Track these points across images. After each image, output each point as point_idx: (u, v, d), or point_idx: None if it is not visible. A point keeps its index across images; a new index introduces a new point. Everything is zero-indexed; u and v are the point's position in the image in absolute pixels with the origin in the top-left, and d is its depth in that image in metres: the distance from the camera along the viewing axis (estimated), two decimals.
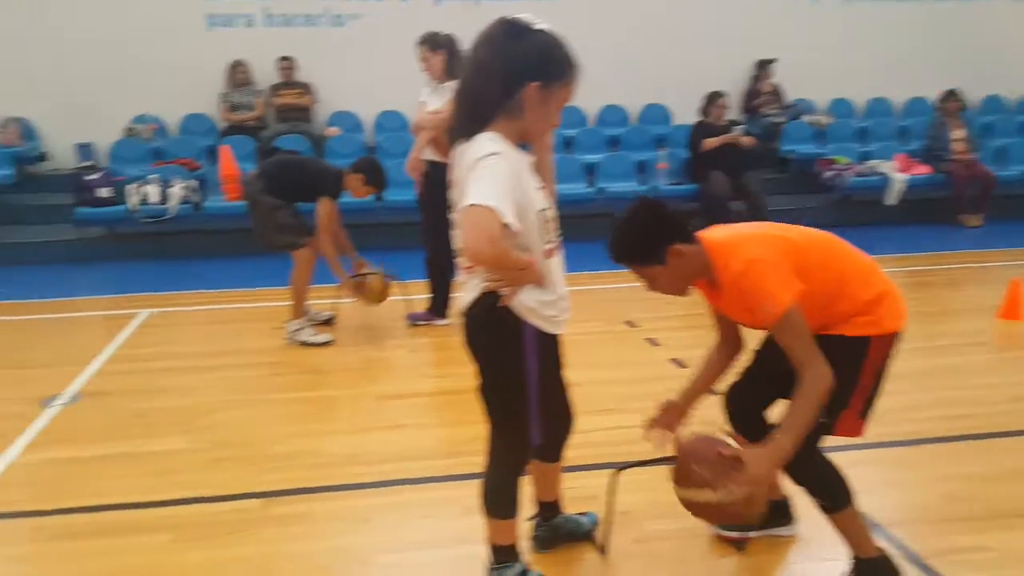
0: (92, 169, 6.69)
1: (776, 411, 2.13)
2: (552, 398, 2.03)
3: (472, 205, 1.61)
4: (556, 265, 1.92)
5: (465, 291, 1.96)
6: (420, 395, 3.89)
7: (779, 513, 2.44)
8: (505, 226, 1.63)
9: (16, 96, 7.59)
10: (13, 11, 7.46)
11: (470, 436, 3.27)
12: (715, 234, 2.04)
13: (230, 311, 5.34)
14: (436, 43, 4.39)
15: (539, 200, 1.86)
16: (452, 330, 4.77)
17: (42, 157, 7.72)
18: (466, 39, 4.43)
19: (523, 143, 1.86)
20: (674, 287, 2.06)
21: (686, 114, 8.14)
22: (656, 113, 8.74)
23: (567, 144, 8.15)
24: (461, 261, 1.91)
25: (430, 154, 4.48)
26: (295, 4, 7.95)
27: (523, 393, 1.91)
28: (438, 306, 4.86)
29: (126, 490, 2.94)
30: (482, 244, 1.61)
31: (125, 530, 2.68)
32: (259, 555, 2.53)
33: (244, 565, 2.47)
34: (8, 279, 6.27)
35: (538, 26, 1.73)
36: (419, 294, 4.97)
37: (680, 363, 4.07)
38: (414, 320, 4.90)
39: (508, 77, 1.71)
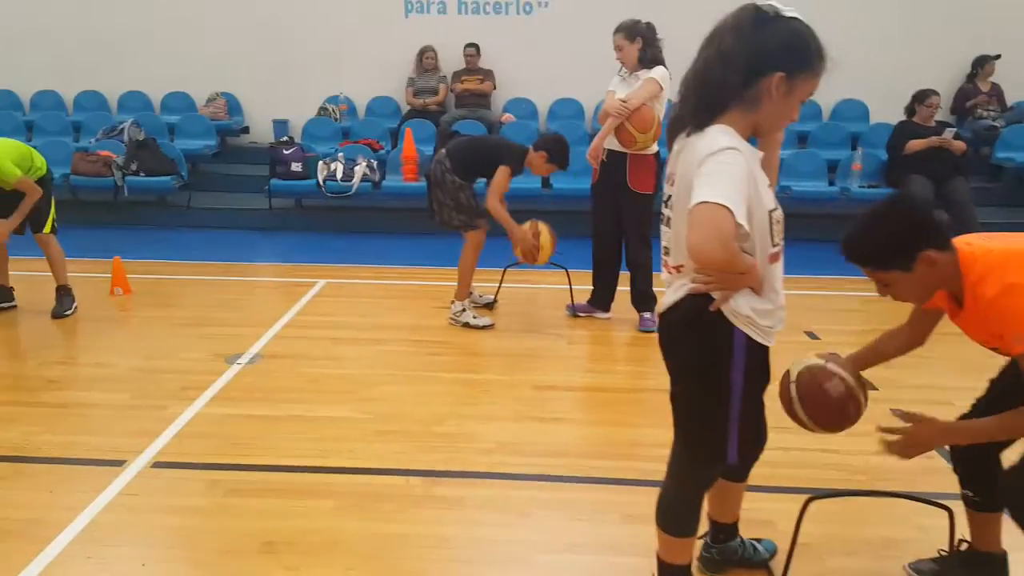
0: (288, 144, 7.15)
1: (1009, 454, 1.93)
2: (752, 414, 1.85)
3: (705, 203, 1.50)
4: (778, 271, 1.75)
5: (668, 291, 1.83)
6: (578, 389, 3.80)
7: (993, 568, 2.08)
8: (737, 227, 1.52)
9: (224, 73, 8.30)
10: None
11: (630, 439, 3.21)
12: (972, 244, 1.73)
13: (399, 287, 5.48)
14: (633, 32, 4.20)
15: (769, 200, 1.70)
16: (613, 324, 4.66)
17: (244, 130, 8.38)
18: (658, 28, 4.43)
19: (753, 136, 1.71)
20: (914, 295, 1.83)
21: (887, 112, 7.38)
22: (851, 109, 7.99)
23: None
24: (670, 259, 1.79)
25: (611, 143, 4.33)
26: None
27: (725, 407, 1.77)
28: (601, 298, 4.72)
29: (296, 452, 3.05)
30: (714, 245, 1.50)
31: (292, 492, 2.76)
32: (416, 535, 2.50)
33: (400, 542, 2.46)
34: (207, 241, 6.86)
35: (788, 13, 1.60)
36: (581, 284, 4.82)
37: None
38: (575, 311, 4.79)
39: (752, 65, 1.59)
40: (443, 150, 4.54)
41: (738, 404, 1.77)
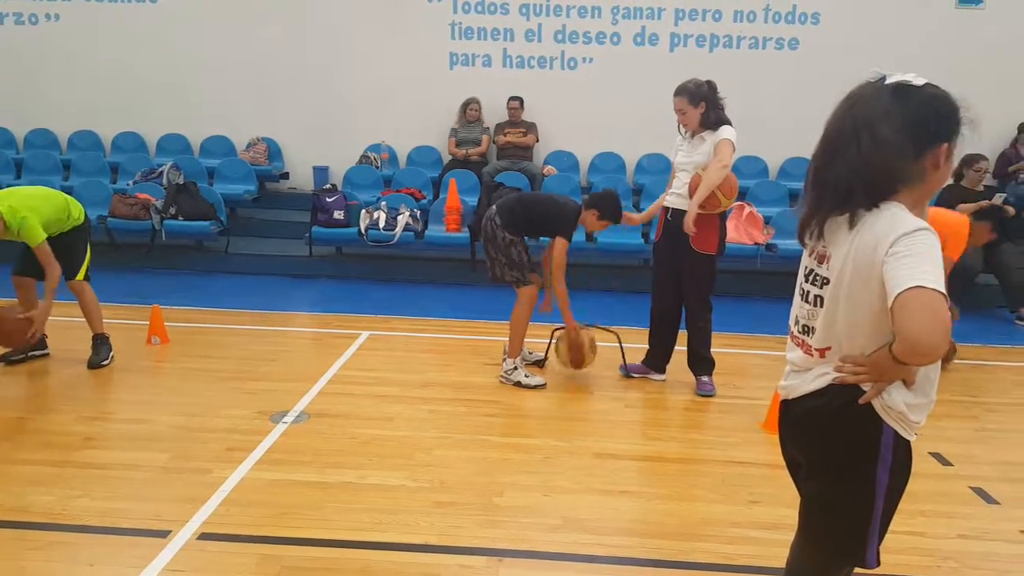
0: (331, 191, 7.07)
1: None
2: (892, 514, 1.67)
3: (922, 288, 1.38)
4: (937, 362, 1.55)
5: (804, 376, 1.68)
6: (641, 458, 3.58)
7: None
8: None
9: (266, 118, 8.32)
10: (270, 43, 8.19)
11: (702, 516, 3.02)
12: None
13: (444, 341, 5.29)
14: (697, 95, 4.07)
15: None
16: (668, 387, 4.47)
17: (284, 176, 8.34)
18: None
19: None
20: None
21: None
22: None
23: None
24: (814, 341, 1.64)
25: (676, 202, 4.19)
26: (532, 47, 8.08)
27: (868, 507, 1.61)
28: (657, 359, 4.53)
29: (351, 524, 2.85)
30: (939, 336, 1.37)
31: (350, 571, 2.54)
32: None
33: None
34: (245, 288, 6.73)
35: (917, 82, 1.52)
36: (630, 343, 4.62)
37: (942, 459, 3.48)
38: (628, 372, 4.58)
39: (917, 148, 1.50)
40: (493, 207, 4.43)
41: (881, 504, 1.62)
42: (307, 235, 7.02)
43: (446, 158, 8.06)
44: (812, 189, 1.61)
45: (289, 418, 3.82)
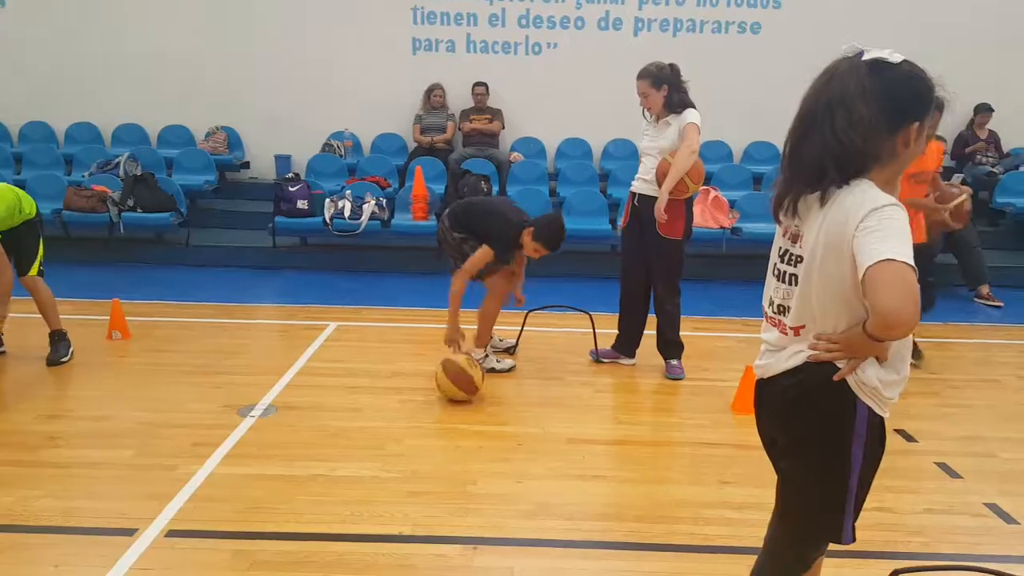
0: (294, 180, 6.95)
1: None
2: (866, 490, 1.70)
3: (892, 260, 1.39)
4: (908, 338, 1.58)
5: (779, 354, 1.69)
6: (613, 442, 3.60)
7: None
8: None
9: (224, 107, 8.14)
10: (227, 31, 7.99)
11: (674, 498, 3.05)
12: None
13: (413, 331, 5.25)
14: (659, 78, 4.07)
15: None
16: (638, 371, 4.50)
17: (245, 165, 8.18)
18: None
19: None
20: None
21: None
22: None
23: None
24: (788, 320, 1.65)
25: (643, 187, 4.20)
26: (496, 32, 8.01)
27: (843, 484, 1.63)
28: (627, 344, 4.56)
29: (324, 518, 2.81)
30: (911, 307, 1.39)
31: (324, 565, 2.52)
32: None
33: None
34: (207, 281, 6.59)
35: (894, 58, 1.51)
36: (602, 329, 4.63)
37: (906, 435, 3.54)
38: (598, 356, 4.60)
39: (891, 126, 1.51)
40: (446, 209, 4.44)
41: (856, 481, 1.64)
42: (270, 226, 6.90)
43: (411, 146, 7.97)
44: (788, 166, 1.61)
45: (256, 411, 3.75)
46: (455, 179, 6.90)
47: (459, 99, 7.92)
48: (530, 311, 4.70)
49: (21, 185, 5.54)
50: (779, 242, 1.69)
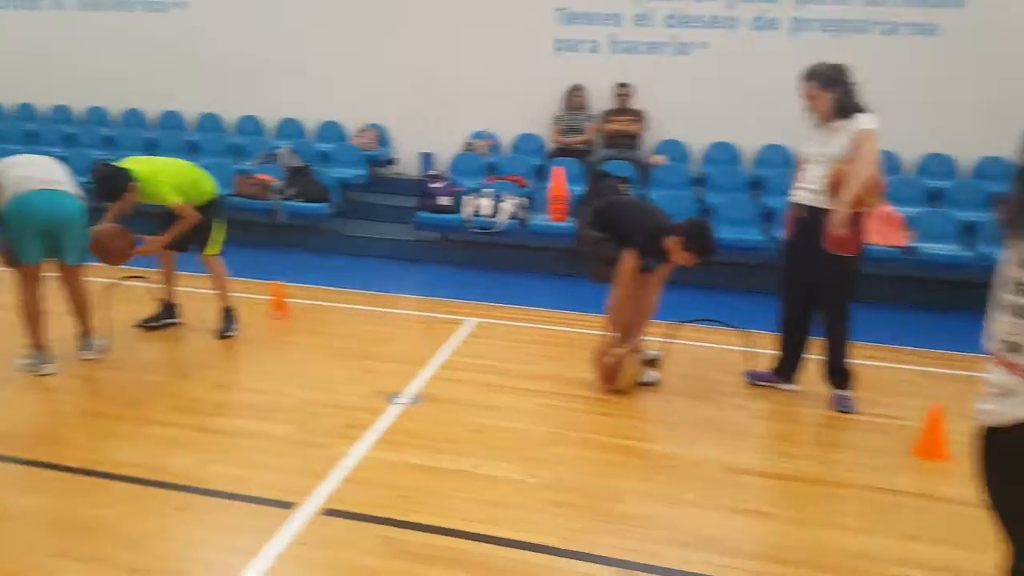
0: (437, 178, 7.15)
1: None
2: None
3: None
4: None
5: (1014, 402, 1.48)
6: (775, 476, 3.29)
7: None
8: None
9: (375, 105, 8.47)
10: (382, 33, 8.33)
11: (852, 549, 2.77)
12: None
13: (551, 333, 5.24)
14: (829, 79, 3.78)
15: None
16: (799, 399, 4.13)
17: (391, 162, 8.51)
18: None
19: None
20: None
21: None
22: (992, 167, 7.11)
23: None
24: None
25: (810, 198, 3.90)
26: (643, 32, 7.88)
27: None
28: (786, 368, 4.21)
29: (466, 514, 2.85)
30: None
31: (468, 564, 2.55)
32: None
33: None
34: (356, 269, 6.92)
35: None
36: (759, 348, 4.41)
37: None
38: (754, 379, 4.31)
39: None
40: (588, 205, 4.37)
41: None
42: (414, 220, 7.13)
43: (550, 146, 8.00)
44: None
45: (403, 399, 3.88)
46: (594, 181, 6.84)
47: (600, 100, 7.84)
48: (678, 323, 4.55)
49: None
50: (1013, 272, 1.47)
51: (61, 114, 9.24)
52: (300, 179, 7.32)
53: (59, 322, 4.18)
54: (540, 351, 4.84)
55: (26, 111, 9.31)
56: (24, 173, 3.77)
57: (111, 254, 4.24)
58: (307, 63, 8.53)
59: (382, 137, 8.49)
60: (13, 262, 3.82)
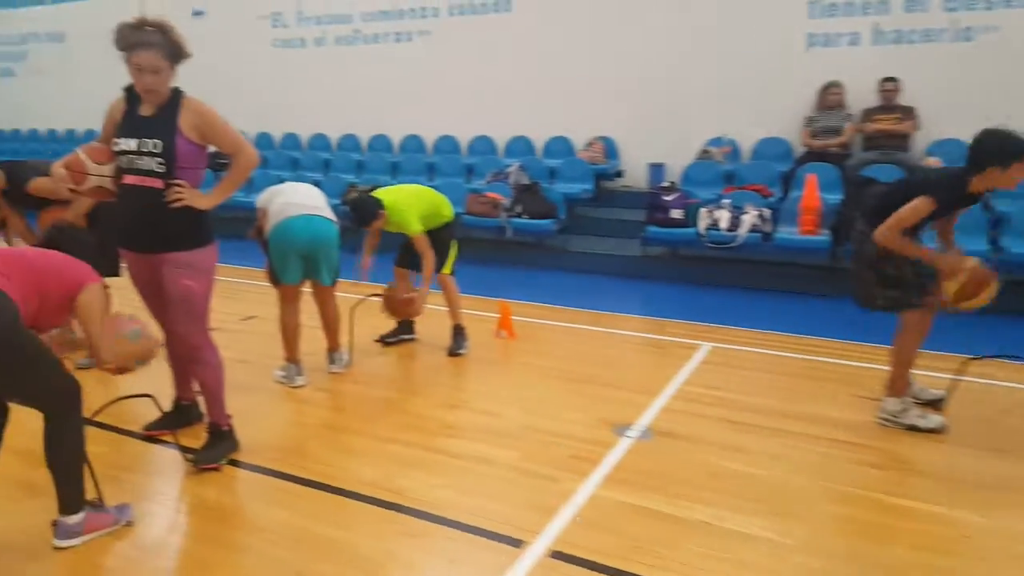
0: (669, 189, 6.77)
1: None
2: None
3: None
4: None
5: None
6: None
7: None
8: None
9: (602, 117, 8.29)
10: (609, 42, 8.11)
11: None
12: None
13: (802, 362, 4.63)
14: None
15: None
16: None
17: (619, 174, 8.26)
18: None
19: None
20: None
21: None
22: None
23: None
24: None
25: None
26: (914, 18, 6.87)
27: None
28: None
29: (710, 575, 2.45)
30: None
31: None
32: None
33: None
34: (581, 286, 6.75)
35: None
36: None
37: None
38: None
39: None
40: (858, 211, 3.64)
41: None
42: (641, 235, 6.80)
43: (798, 150, 7.23)
44: None
45: (633, 433, 3.57)
46: (855, 188, 6.00)
47: (859, 97, 6.94)
48: (970, 358, 3.75)
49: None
50: None
51: (319, 141, 10.25)
52: (527, 196, 7.35)
53: (311, 335, 4.47)
54: (789, 383, 4.27)
55: (290, 140, 10.47)
56: (287, 200, 4.06)
57: (400, 312, 4.70)
58: (538, 79, 8.59)
59: (609, 149, 8.29)
60: (275, 281, 4.15)
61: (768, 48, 7.40)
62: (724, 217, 6.24)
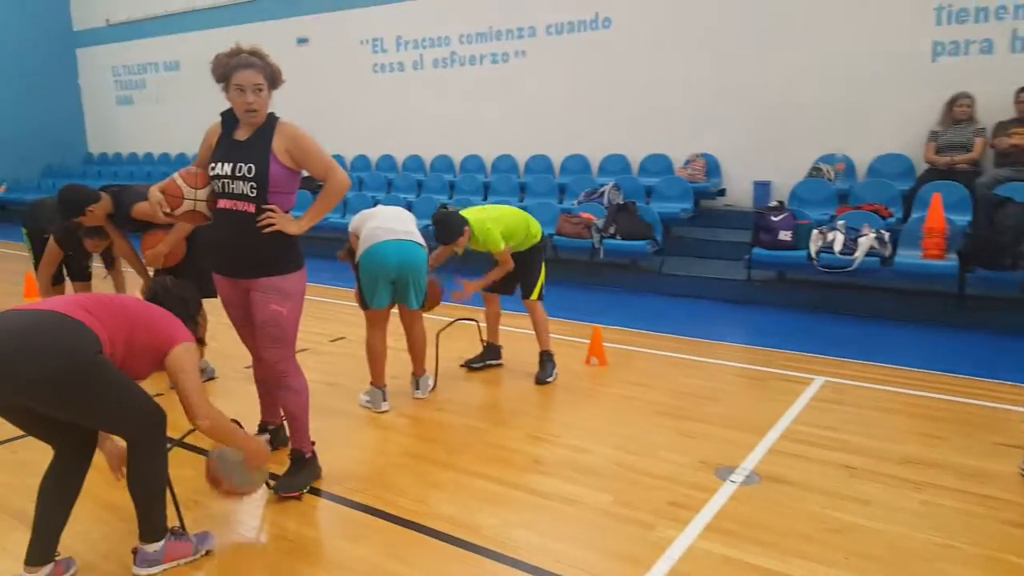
0: (778, 209, 6.34)
1: None
2: None
3: None
4: None
5: None
6: None
7: None
8: None
9: (705, 133, 7.93)
10: (715, 58, 7.76)
11: None
12: None
13: (930, 402, 4.16)
14: None
15: None
16: None
17: (721, 193, 7.87)
18: None
19: None
20: None
21: None
22: None
23: None
24: None
25: None
26: None
27: None
28: None
29: None
30: None
31: None
32: None
33: None
34: (678, 311, 6.41)
35: None
36: None
37: None
38: None
39: None
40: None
41: None
42: (746, 257, 6.40)
43: (919, 168, 6.65)
44: None
45: (737, 477, 3.26)
46: (987, 208, 5.42)
47: (990, 110, 6.31)
48: None
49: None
50: None
51: (413, 162, 10.36)
52: (622, 216, 7.08)
53: (396, 358, 4.38)
54: (915, 426, 3.82)
55: (385, 162, 10.63)
56: (377, 224, 4.01)
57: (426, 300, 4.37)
58: (633, 96, 8.35)
59: (711, 166, 7.91)
60: (364, 305, 4.09)
61: (888, 58, 6.85)
62: (838, 239, 5.76)
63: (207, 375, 4.61)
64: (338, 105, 10.79)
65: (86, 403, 2.28)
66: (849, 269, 5.70)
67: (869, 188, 6.60)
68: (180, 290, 2.79)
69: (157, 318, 2.56)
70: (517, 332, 5.25)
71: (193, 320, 2.78)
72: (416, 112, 10.23)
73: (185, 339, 2.58)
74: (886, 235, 5.71)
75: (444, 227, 4.32)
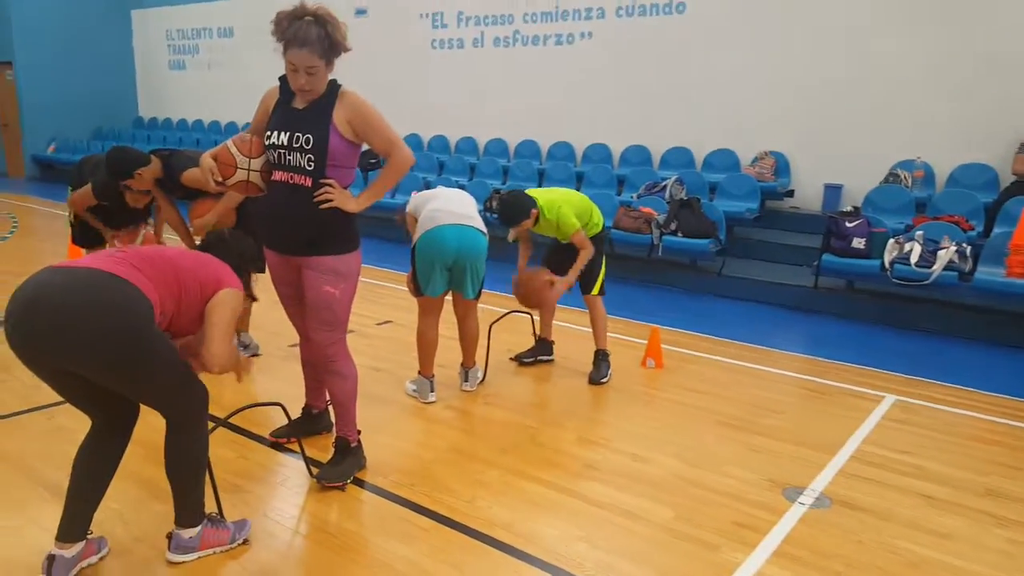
0: (852, 215, 5.99)
1: None
2: None
3: None
4: None
5: None
6: None
7: None
8: None
9: (773, 130, 7.57)
10: (796, 52, 7.40)
11: None
12: None
13: (1013, 430, 3.85)
14: None
15: None
16: None
17: (790, 194, 7.52)
18: None
19: None
20: None
21: None
22: None
23: None
24: None
25: None
26: None
27: None
28: None
29: None
30: None
31: None
32: None
33: None
34: (738, 316, 6.13)
35: None
36: None
37: None
38: None
39: None
40: None
41: None
42: (815, 263, 6.07)
43: (1005, 179, 6.22)
44: None
45: (807, 499, 3.03)
46: None
47: None
48: None
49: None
50: None
51: (467, 145, 10.17)
52: (684, 212, 6.80)
53: (445, 346, 4.23)
54: (996, 455, 3.54)
55: (438, 142, 10.45)
56: (438, 206, 3.83)
57: (532, 295, 4.19)
58: (704, 87, 8.02)
59: (780, 166, 7.55)
60: (417, 291, 3.92)
61: (978, 58, 6.42)
62: (916, 250, 5.40)
63: (251, 351, 4.53)
64: (393, 81, 10.60)
65: (131, 377, 2.16)
66: (926, 283, 5.34)
67: (949, 198, 6.19)
68: (238, 242, 2.62)
69: (206, 262, 2.40)
70: (570, 328, 5.05)
71: (247, 274, 2.59)
72: (473, 92, 10.01)
73: (234, 285, 2.40)
74: (967, 249, 5.34)
75: (511, 207, 4.08)
